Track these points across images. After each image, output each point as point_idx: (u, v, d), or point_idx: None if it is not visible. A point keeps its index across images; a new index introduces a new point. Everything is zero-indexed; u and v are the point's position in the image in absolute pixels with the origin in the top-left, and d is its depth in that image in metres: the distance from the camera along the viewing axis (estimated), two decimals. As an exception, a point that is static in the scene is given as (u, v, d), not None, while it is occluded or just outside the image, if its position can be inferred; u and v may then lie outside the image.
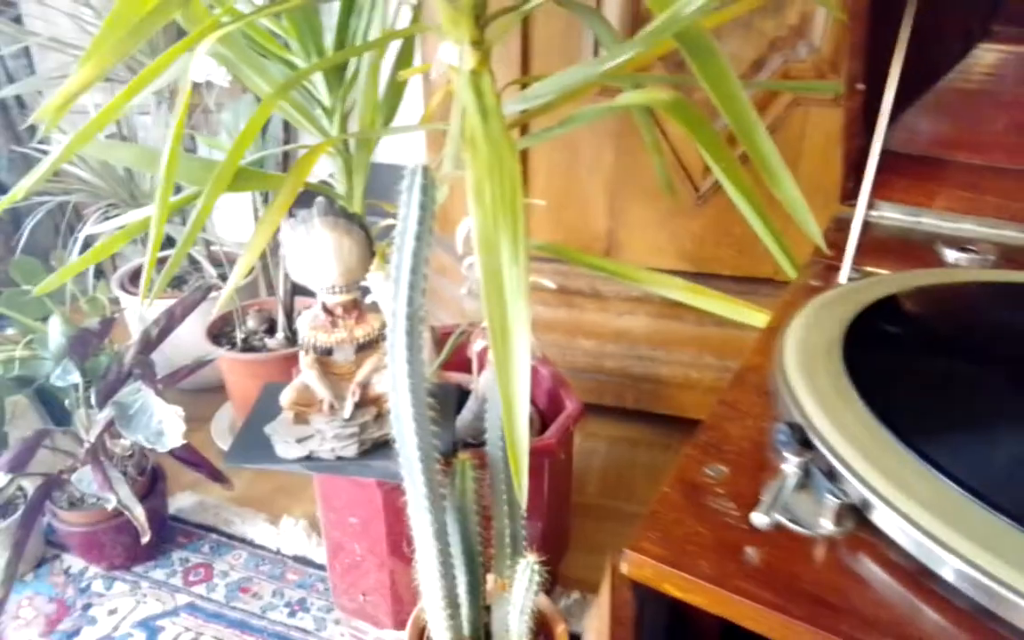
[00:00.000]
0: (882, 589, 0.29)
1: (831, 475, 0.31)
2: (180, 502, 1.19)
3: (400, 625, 0.91)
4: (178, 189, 0.88)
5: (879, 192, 0.58)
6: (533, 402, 1.05)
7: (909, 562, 0.30)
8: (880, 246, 0.54)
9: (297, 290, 1.35)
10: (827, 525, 0.31)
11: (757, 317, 0.65)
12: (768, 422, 0.35)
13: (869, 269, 0.50)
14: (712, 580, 0.29)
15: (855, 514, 0.31)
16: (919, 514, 0.30)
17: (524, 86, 1.08)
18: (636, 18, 1.02)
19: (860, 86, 0.48)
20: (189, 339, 1.29)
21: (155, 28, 0.63)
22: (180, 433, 0.76)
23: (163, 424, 0.77)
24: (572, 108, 0.81)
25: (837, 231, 0.60)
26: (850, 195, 0.58)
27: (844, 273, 0.48)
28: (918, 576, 0.30)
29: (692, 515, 0.31)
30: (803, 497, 0.31)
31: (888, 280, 0.47)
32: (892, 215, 0.58)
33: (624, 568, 0.31)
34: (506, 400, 0.57)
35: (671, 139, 1.10)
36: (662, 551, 0.30)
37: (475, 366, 0.95)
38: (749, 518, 0.30)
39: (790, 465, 0.31)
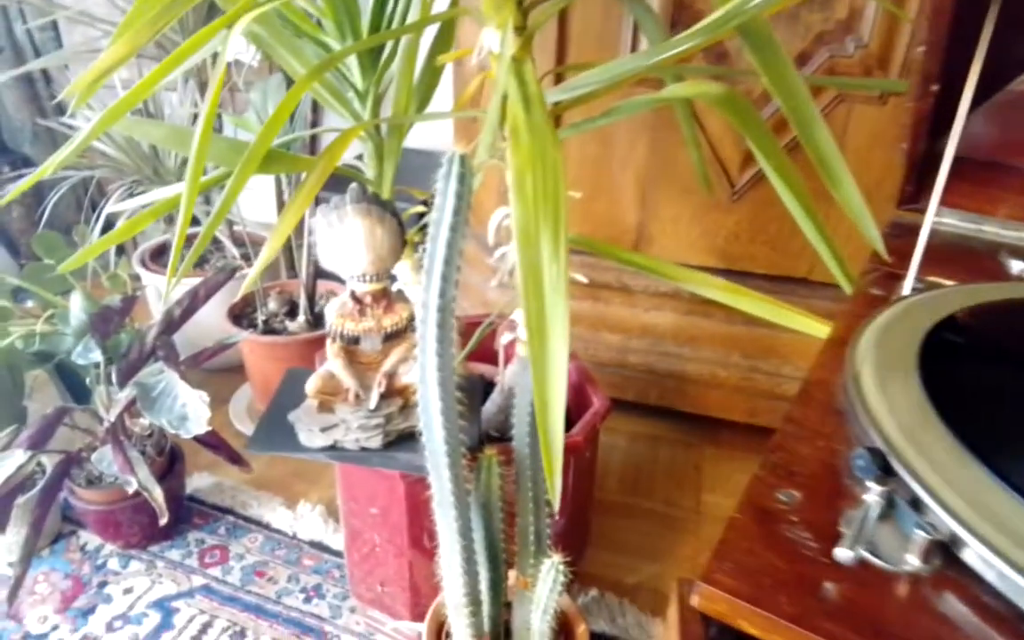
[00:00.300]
0: (974, 634, 0.27)
1: (916, 505, 0.28)
2: (197, 483, 1.18)
3: (418, 617, 0.90)
4: (205, 169, 0.87)
5: (941, 197, 0.55)
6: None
7: (1004, 605, 0.28)
8: (941, 254, 0.51)
9: (320, 273, 1.34)
10: (913, 561, 0.28)
11: (817, 327, 0.62)
12: (840, 443, 0.33)
13: (932, 279, 0.48)
14: (793, 619, 0.27)
15: (943, 550, 0.29)
16: (1015, 553, 0.27)
17: (559, 76, 1.06)
18: (677, 5, 0.99)
19: (934, 87, 0.45)
20: (210, 319, 1.28)
21: (190, 5, 0.61)
22: (205, 419, 0.75)
23: (187, 408, 0.76)
24: (611, 100, 0.79)
25: (894, 236, 0.57)
26: (910, 199, 0.56)
27: (908, 283, 0.45)
28: (1014, 621, 0.27)
29: (766, 545, 0.29)
30: (886, 530, 0.28)
31: (958, 293, 0.45)
32: (953, 222, 0.56)
33: (696, 601, 0.29)
34: (541, 400, 0.56)
35: (708, 133, 1.07)
36: (737, 584, 0.28)
37: (501, 359, 0.93)
38: (833, 553, 0.28)
39: (872, 494, 0.28)
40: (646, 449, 1.32)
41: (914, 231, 0.58)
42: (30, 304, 1.28)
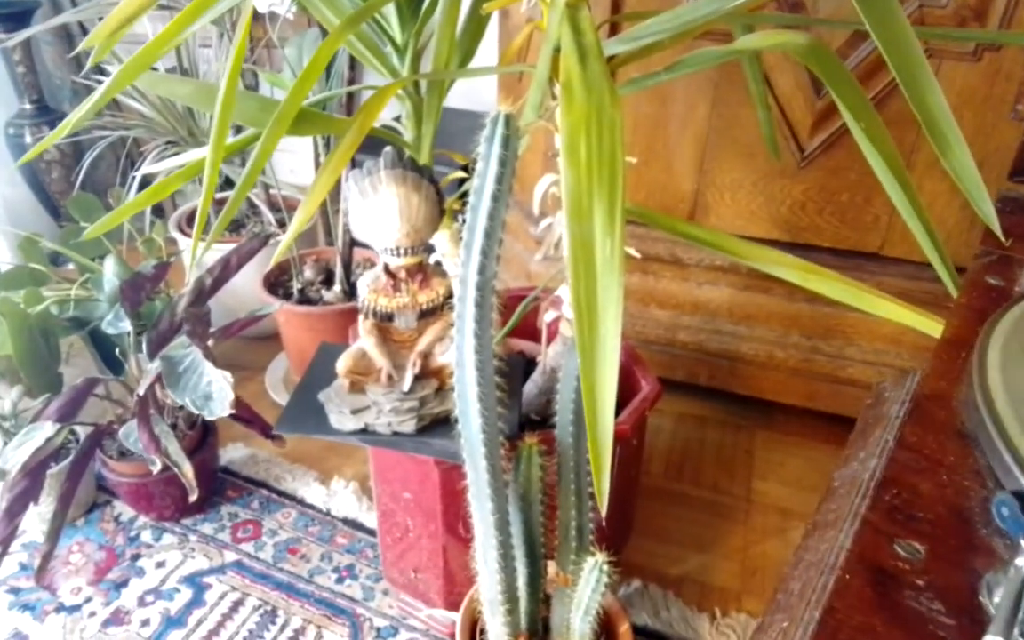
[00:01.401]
0: None
1: None
2: (231, 454, 1.16)
3: (452, 605, 0.86)
4: (238, 129, 0.82)
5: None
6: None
7: None
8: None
9: (357, 241, 1.29)
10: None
11: (929, 325, 0.54)
12: (968, 477, 0.26)
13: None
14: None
15: None
16: None
17: (613, 27, 0.98)
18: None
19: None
20: (246, 287, 1.25)
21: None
22: (228, 401, 0.71)
23: (212, 386, 0.72)
24: (673, 55, 0.70)
25: (1007, 213, 0.49)
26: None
27: (1038, 273, 0.38)
28: None
29: (887, 620, 0.22)
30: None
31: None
32: (1082, 196, 0.47)
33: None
34: (589, 391, 0.50)
35: (777, 93, 0.98)
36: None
37: (544, 337, 0.87)
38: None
39: (1023, 557, 0.22)
40: (694, 431, 1.25)
41: (1034, 207, 0.50)
42: (71, 267, 1.26)
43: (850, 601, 0.21)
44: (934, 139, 0.45)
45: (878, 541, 0.23)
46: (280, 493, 1.09)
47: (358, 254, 1.31)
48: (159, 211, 1.92)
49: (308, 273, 1.30)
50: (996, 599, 0.22)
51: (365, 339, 0.69)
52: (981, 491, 0.26)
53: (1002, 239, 0.45)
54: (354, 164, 1.13)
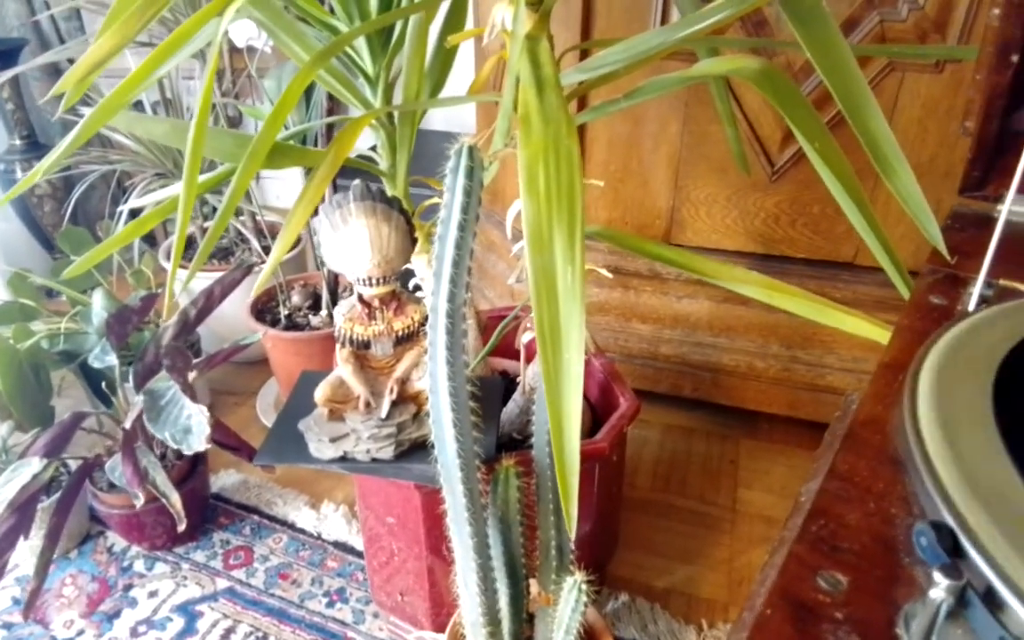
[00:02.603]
0: None
1: (994, 604, 0.22)
2: (223, 480, 1.17)
3: (439, 626, 0.87)
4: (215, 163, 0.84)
5: (1007, 183, 0.48)
6: (584, 395, 0.98)
7: None
8: (1012, 252, 0.45)
9: (341, 265, 1.31)
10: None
11: (868, 329, 0.56)
12: (896, 505, 0.27)
13: (1004, 283, 0.41)
14: None
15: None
16: None
17: (584, 55, 1.00)
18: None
19: (1015, 57, 0.38)
20: (235, 313, 1.27)
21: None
22: (205, 436, 0.72)
23: (191, 420, 0.73)
24: (639, 77, 0.72)
25: (956, 230, 0.50)
26: (975, 186, 0.49)
27: (976, 291, 0.39)
28: None
29: None
30: (956, 631, 0.23)
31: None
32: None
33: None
34: (555, 417, 0.51)
35: (746, 109, 0.99)
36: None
37: (523, 357, 0.89)
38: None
39: (938, 589, 0.23)
40: (679, 442, 1.26)
41: (980, 223, 0.51)
42: (63, 299, 1.27)
43: (769, 636, 0.22)
44: (878, 163, 0.47)
45: (801, 573, 0.24)
46: (271, 518, 1.10)
47: (344, 279, 1.32)
48: (151, 240, 1.94)
49: (295, 298, 1.32)
50: (912, 631, 0.22)
51: (343, 367, 0.70)
52: (907, 519, 0.27)
53: (948, 259, 0.47)
54: (336, 189, 1.15)
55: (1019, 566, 0.22)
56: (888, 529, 0.26)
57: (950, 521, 0.24)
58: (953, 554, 0.23)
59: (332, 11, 0.79)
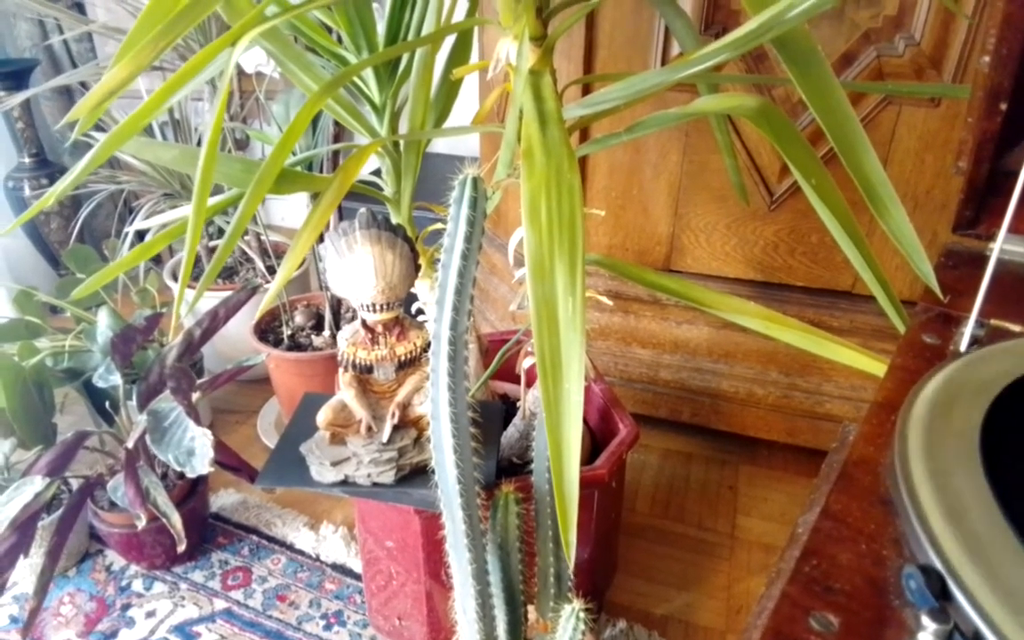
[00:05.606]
0: None
1: None
2: (223, 499, 1.17)
3: (438, 651, 0.87)
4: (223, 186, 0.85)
5: (999, 222, 0.49)
6: (583, 420, 0.99)
7: None
8: (1009, 292, 0.45)
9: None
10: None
11: (865, 362, 0.57)
12: (887, 546, 0.28)
13: (996, 323, 0.42)
14: None
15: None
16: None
17: (587, 86, 1.01)
18: (711, 6, 0.93)
19: (1003, 105, 0.39)
20: (239, 333, 1.28)
21: (191, 24, 0.59)
22: (208, 459, 0.73)
23: (195, 442, 0.74)
24: (640, 111, 0.74)
25: (949, 267, 0.51)
26: (968, 224, 0.50)
27: (968, 331, 0.40)
28: None
29: None
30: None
31: (1030, 346, 0.39)
32: (1017, 249, 0.49)
33: None
34: (554, 446, 0.52)
35: (745, 139, 1.01)
36: None
37: (523, 382, 0.89)
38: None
39: (927, 634, 0.23)
40: (678, 467, 1.26)
41: (972, 261, 0.52)
42: (67, 315, 1.28)
43: (760, 680, 0.23)
44: (871, 202, 0.48)
45: (793, 614, 0.25)
46: (270, 539, 1.10)
47: (347, 300, 1.33)
48: (156, 258, 1.96)
49: (299, 318, 1.33)
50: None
51: (345, 391, 0.71)
52: (898, 561, 0.28)
53: (941, 297, 0.48)
54: (341, 215, 1.16)
55: (1005, 611, 0.22)
56: (879, 571, 0.26)
57: (938, 565, 0.24)
58: (941, 598, 0.24)
59: (340, 41, 0.81)
